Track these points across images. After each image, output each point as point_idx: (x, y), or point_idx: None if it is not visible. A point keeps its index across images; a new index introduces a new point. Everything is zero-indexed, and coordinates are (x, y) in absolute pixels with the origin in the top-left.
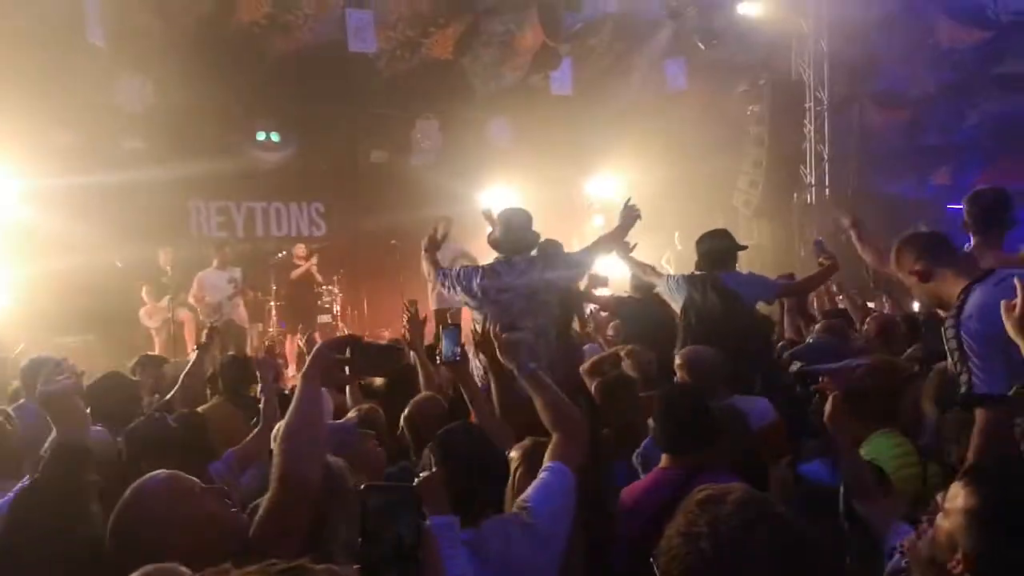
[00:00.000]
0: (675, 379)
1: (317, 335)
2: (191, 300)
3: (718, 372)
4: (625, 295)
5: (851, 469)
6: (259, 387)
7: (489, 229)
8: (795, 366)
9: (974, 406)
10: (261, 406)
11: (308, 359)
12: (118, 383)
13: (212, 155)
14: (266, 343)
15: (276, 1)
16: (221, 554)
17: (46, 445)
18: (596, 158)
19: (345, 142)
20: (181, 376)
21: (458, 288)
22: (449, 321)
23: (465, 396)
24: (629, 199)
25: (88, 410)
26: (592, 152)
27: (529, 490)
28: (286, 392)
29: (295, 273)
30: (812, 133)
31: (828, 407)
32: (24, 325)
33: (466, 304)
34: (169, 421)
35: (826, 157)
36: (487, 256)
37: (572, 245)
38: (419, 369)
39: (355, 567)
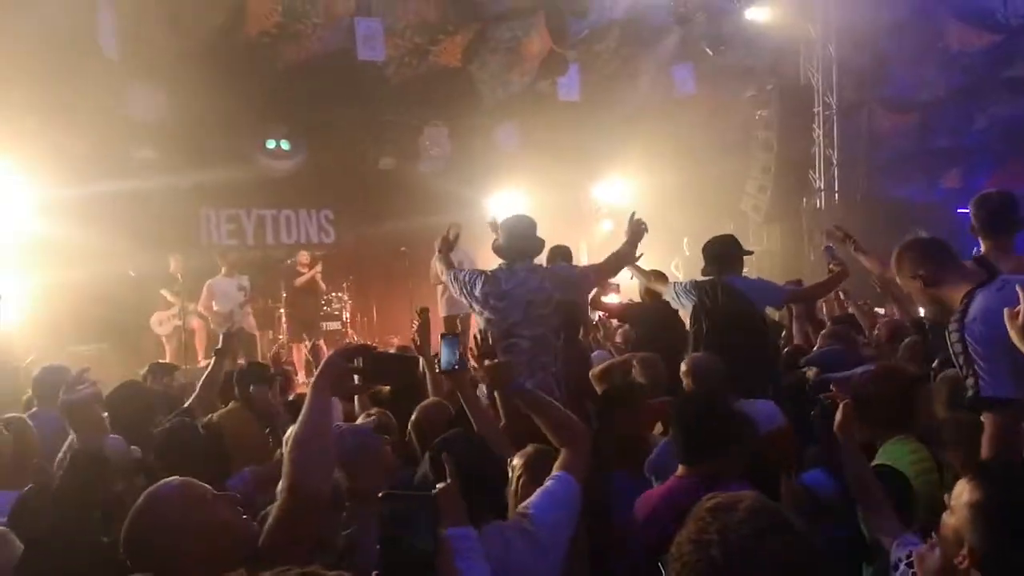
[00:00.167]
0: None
1: (322, 343)
2: (200, 308)
3: (723, 379)
4: (634, 301)
5: (857, 479)
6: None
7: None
8: (811, 372)
9: (982, 409)
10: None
11: (319, 368)
12: (135, 392)
13: (223, 163)
14: (272, 351)
15: (286, 11)
16: (233, 561)
17: (61, 453)
18: (604, 163)
19: (354, 149)
20: (199, 383)
21: (464, 291)
22: (459, 327)
23: (464, 404)
24: (634, 213)
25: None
26: (600, 157)
27: (533, 497)
28: (291, 399)
29: (299, 281)
30: (821, 138)
31: (839, 416)
32: (37, 334)
33: (471, 308)
34: (200, 429)
35: (835, 162)
36: (494, 262)
37: (580, 250)
38: (427, 375)
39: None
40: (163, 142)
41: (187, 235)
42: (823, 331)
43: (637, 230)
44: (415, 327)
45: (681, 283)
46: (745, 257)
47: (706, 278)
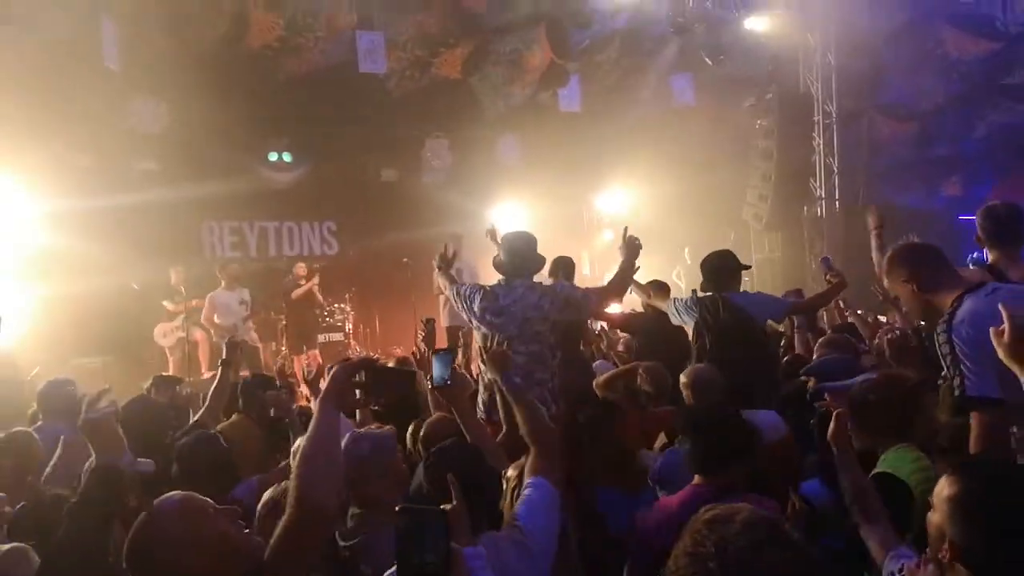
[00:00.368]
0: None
1: (316, 353)
2: (203, 320)
3: (722, 389)
4: (634, 311)
5: (852, 490)
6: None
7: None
8: (811, 382)
9: (969, 408)
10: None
11: (325, 383)
12: (146, 406)
13: (225, 176)
14: (277, 363)
15: (288, 24)
16: (234, 572)
17: (86, 466)
18: (605, 174)
19: (356, 161)
20: (209, 395)
21: (464, 305)
22: (461, 339)
23: (458, 418)
24: (626, 228)
25: None
26: (601, 168)
27: (517, 507)
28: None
29: (295, 293)
30: (821, 146)
31: (832, 426)
32: (42, 347)
33: (468, 322)
34: (221, 441)
35: (836, 170)
36: (496, 274)
37: (582, 260)
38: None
39: None
40: (165, 155)
41: (190, 247)
42: (820, 340)
43: (632, 246)
44: (421, 337)
45: (681, 299)
46: (745, 270)
47: (706, 294)
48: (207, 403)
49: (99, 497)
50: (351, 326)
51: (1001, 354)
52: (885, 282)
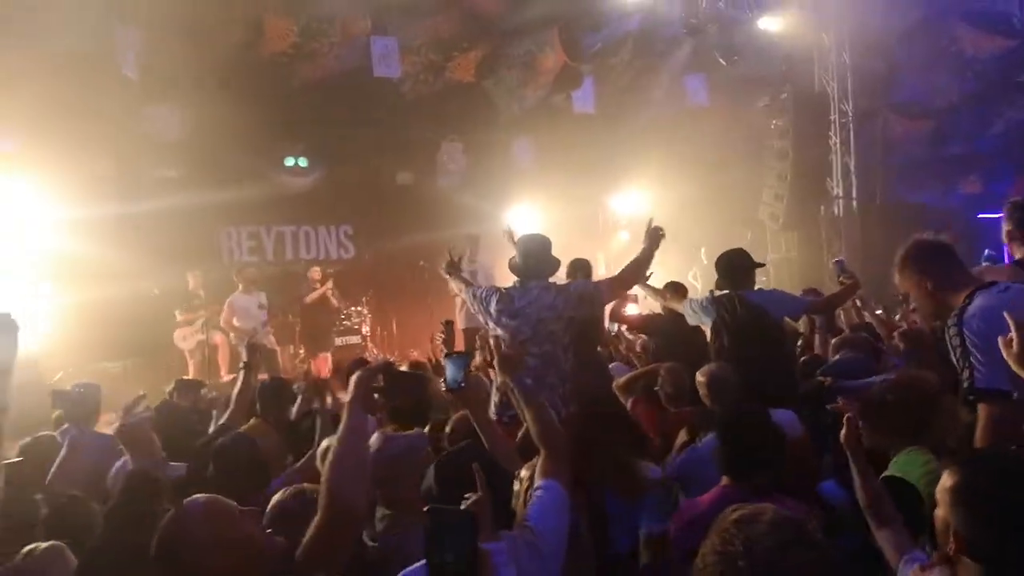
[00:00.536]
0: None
1: (328, 356)
2: (222, 324)
3: (738, 390)
4: (652, 313)
5: (866, 493)
6: (294, 408)
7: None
8: (828, 381)
9: (977, 400)
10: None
11: (351, 387)
12: (172, 411)
13: (242, 181)
14: (301, 366)
15: (303, 30)
16: (256, 573)
17: (112, 472)
18: (620, 175)
19: (372, 165)
20: (233, 397)
21: (481, 308)
22: (477, 342)
23: (473, 421)
24: (652, 219)
25: None
26: (616, 169)
27: (528, 508)
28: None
29: (309, 298)
30: (837, 145)
31: (844, 431)
32: (64, 352)
33: (484, 324)
34: (256, 441)
35: (852, 169)
36: (512, 275)
37: (598, 262)
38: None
39: None
40: (183, 161)
41: (208, 253)
42: (835, 340)
43: (655, 237)
44: (441, 340)
45: (697, 299)
46: (759, 268)
47: (722, 292)
48: (232, 406)
49: (136, 501)
50: (368, 329)
51: (1012, 363)
52: (896, 278)
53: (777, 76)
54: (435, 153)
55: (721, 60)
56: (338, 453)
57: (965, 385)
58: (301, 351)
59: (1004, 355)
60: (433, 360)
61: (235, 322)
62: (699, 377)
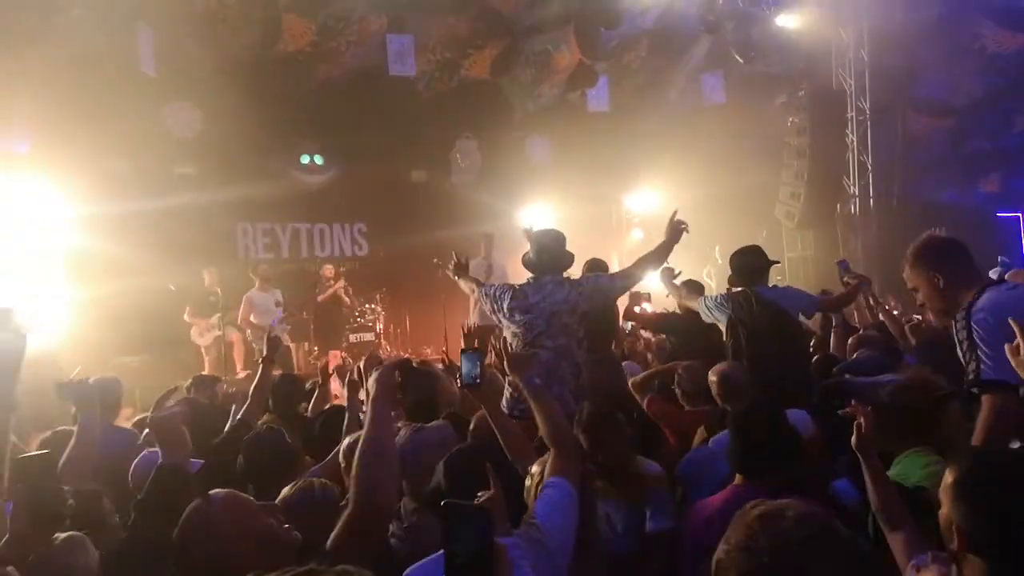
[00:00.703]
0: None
1: (338, 353)
2: (239, 320)
3: (750, 388)
4: (667, 311)
5: (878, 496)
6: (309, 405)
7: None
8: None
9: (982, 392)
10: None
11: (374, 383)
12: (192, 407)
13: (258, 179)
14: (315, 363)
15: (320, 29)
16: (275, 566)
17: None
18: (635, 174)
19: (386, 163)
20: (250, 392)
21: (495, 306)
22: (492, 339)
23: (488, 418)
24: (675, 212)
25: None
26: (630, 167)
27: (535, 506)
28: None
29: (321, 297)
30: (855, 143)
31: (854, 437)
32: (81, 348)
33: (498, 322)
34: (286, 436)
35: (870, 167)
36: (526, 272)
37: (612, 261)
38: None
39: None
40: (200, 158)
41: (224, 249)
42: (852, 339)
43: (676, 230)
44: (462, 341)
45: (712, 297)
46: (775, 265)
47: (738, 290)
48: (249, 400)
49: (164, 493)
50: (382, 326)
51: (1020, 370)
52: (906, 271)
53: (795, 73)
54: (449, 151)
55: (738, 57)
56: (366, 447)
57: (970, 377)
58: (315, 348)
59: (1012, 363)
60: (447, 360)
61: (252, 319)
62: (711, 376)
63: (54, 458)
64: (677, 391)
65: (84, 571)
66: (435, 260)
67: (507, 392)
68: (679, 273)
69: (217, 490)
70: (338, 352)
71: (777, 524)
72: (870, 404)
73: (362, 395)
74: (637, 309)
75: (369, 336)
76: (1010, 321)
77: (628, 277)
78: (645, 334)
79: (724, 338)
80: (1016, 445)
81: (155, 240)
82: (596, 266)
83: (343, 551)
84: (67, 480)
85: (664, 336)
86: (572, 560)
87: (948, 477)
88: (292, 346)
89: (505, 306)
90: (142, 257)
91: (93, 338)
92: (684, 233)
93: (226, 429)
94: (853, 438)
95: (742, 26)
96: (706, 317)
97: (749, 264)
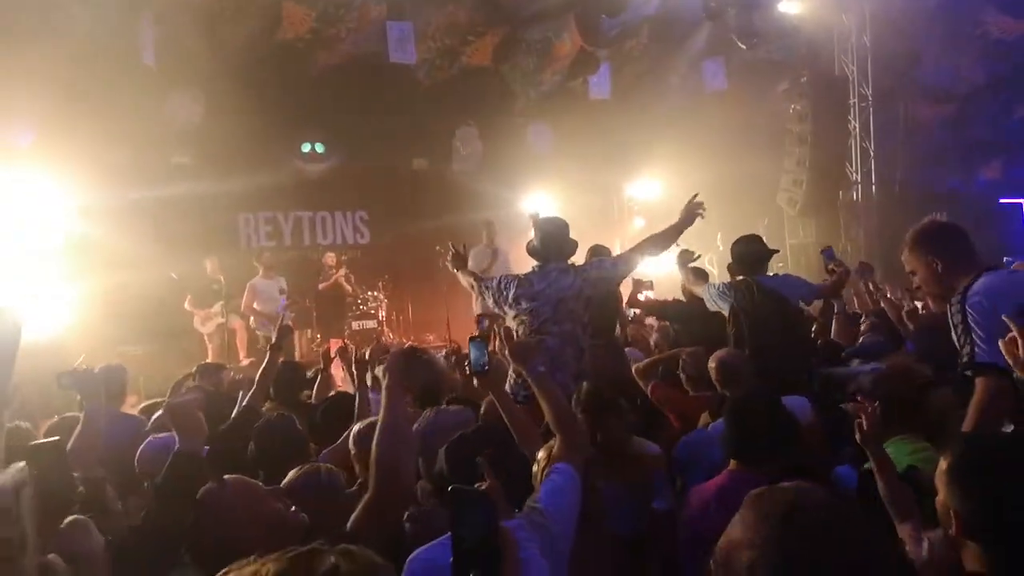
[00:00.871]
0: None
1: (343, 341)
2: (243, 308)
3: (750, 375)
4: (670, 299)
5: (887, 490)
6: (312, 392)
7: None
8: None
9: (976, 375)
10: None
11: (389, 372)
12: (200, 395)
13: (260, 167)
14: (318, 350)
15: (320, 16)
16: (282, 548)
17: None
18: (636, 161)
19: (387, 151)
20: (257, 376)
21: (499, 298)
22: (496, 329)
23: (497, 404)
24: (696, 195)
25: None
26: (631, 154)
27: (538, 491)
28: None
29: (323, 285)
30: (857, 129)
31: (858, 433)
32: (86, 338)
33: (498, 313)
34: (296, 423)
35: (872, 153)
36: (529, 259)
37: (614, 248)
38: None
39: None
40: (201, 148)
41: (226, 238)
42: (864, 324)
43: (692, 212)
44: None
45: (715, 286)
46: (776, 253)
47: (739, 278)
48: (255, 386)
49: (183, 480)
50: (384, 314)
51: (1019, 370)
52: (904, 255)
53: (797, 59)
54: (450, 139)
55: (740, 43)
56: (384, 432)
57: (964, 360)
58: (318, 336)
59: (1008, 359)
60: (456, 346)
61: (256, 306)
62: (711, 363)
63: (64, 445)
64: (682, 376)
65: (88, 555)
66: (437, 248)
67: (511, 377)
68: (697, 256)
69: (228, 477)
70: (340, 340)
71: (789, 507)
72: (853, 393)
73: (368, 379)
74: (641, 296)
75: (371, 323)
76: (1005, 319)
77: (628, 261)
78: (649, 320)
79: (727, 326)
80: (1009, 428)
81: (157, 230)
82: (599, 252)
83: (363, 532)
84: (74, 467)
85: (668, 323)
86: (574, 543)
87: (943, 463)
88: (295, 333)
89: (510, 295)
90: (144, 247)
91: (96, 327)
92: (700, 218)
93: (232, 415)
94: (858, 435)
95: (744, 12)
96: (710, 305)
97: (751, 253)
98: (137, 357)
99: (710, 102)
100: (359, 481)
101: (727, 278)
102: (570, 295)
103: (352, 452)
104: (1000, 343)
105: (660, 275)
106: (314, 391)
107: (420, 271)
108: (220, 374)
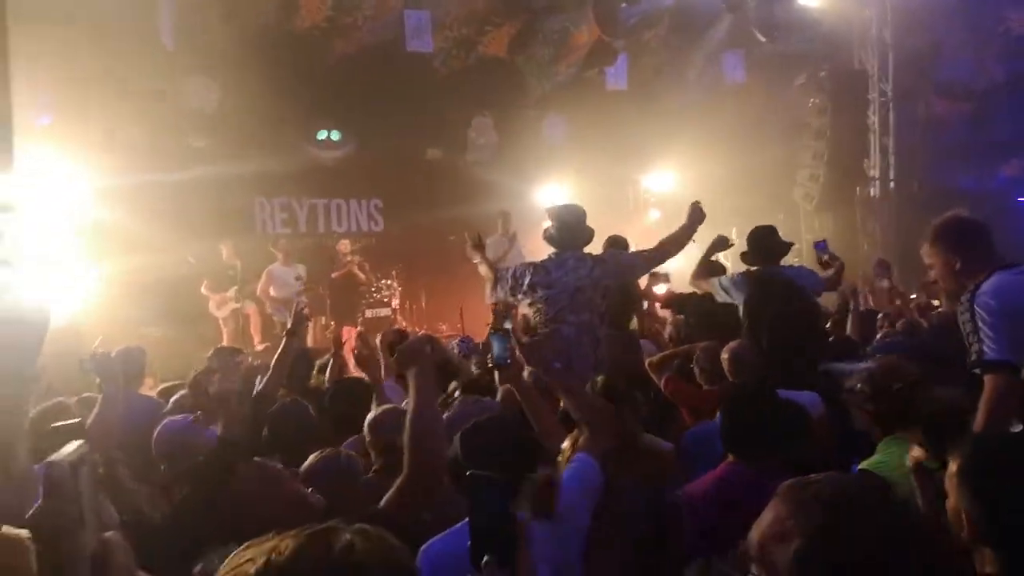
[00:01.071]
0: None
1: (357, 329)
2: (259, 293)
3: (761, 368)
4: (685, 292)
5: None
6: (325, 377)
7: (546, 224)
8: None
9: (984, 372)
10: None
11: (413, 360)
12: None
13: (275, 153)
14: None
15: (337, 4)
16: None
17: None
18: (652, 153)
19: (403, 140)
20: (273, 362)
21: (515, 287)
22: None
23: (519, 397)
24: (697, 201)
25: None
26: (648, 146)
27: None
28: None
29: (336, 274)
30: (876, 125)
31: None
32: (103, 319)
33: (513, 302)
34: (310, 409)
35: (891, 150)
36: (543, 249)
37: (629, 240)
38: None
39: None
40: (217, 132)
41: (242, 223)
42: (901, 322)
43: (696, 216)
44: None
45: (729, 276)
46: (792, 247)
47: (755, 269)
48: (270, 372)
49: (217, 463)
50: (398, 302)
51: None
52: (925, 247)
53: (817, 53)
54: (465, 129)
55: (760, 36)
56: (416, 415)
57: (972, 358)
58: (332, 323)
59: None
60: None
61: (272, 291)
62: (723, 355)
63: (84, 427)
64: (695, 370)
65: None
66: (451, 237)
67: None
68: (731, 244)
69: (254, 460)
70: (352, 328)
71: (826, 494)
72: (849, 390)
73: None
74: (658, 289)
75: (385, 311)
76: None
77: (651, 260)
78: (663, 313)
79: (741, 317)
80: (1018, 427)
81: (173, 213)
82: (616, 243)
83: (397, 510)
84: (92, 448)
85: (682, 317)
86: (591, 534)
87: (952, 465)
88: (310, 320)
89: (526, 282)
90: (160, 230)
91: (113, 309)
92: (703, 219)
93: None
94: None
95: (764, 4)
96: (720, 297)
97: (768, 244)
98: (153, 340)
99: (728, 95)
100: (374, 468)
101: (742, 270)
102: (588, 284)
103: (368, 439)
104: None
105: (674, 268)
106: (327, 375)
107: (434, 260)
108: (236, 358)
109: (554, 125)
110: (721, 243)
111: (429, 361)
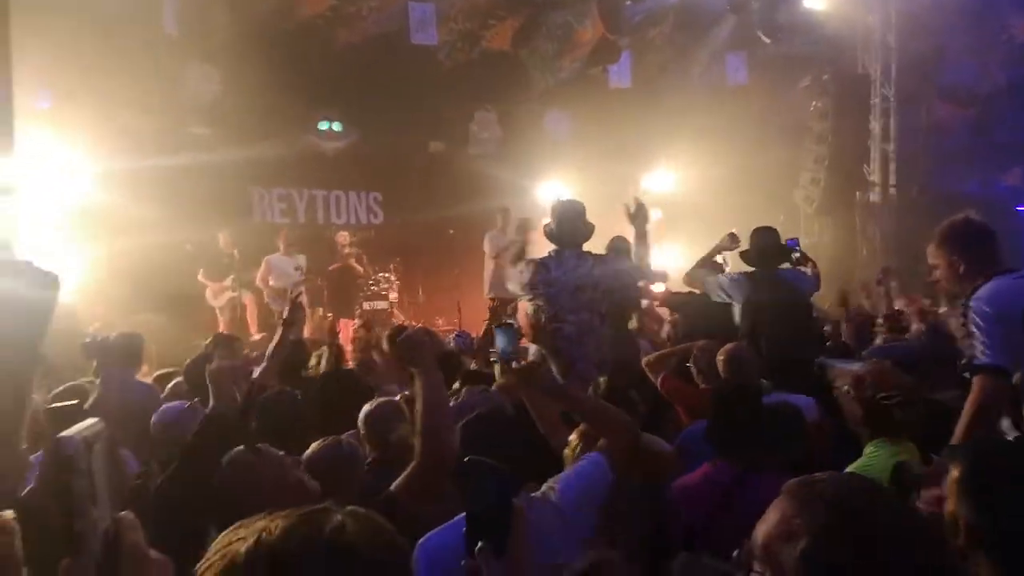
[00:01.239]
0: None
1: (355, 322)
2: (257, 282)
3: (757, 369)
4: (683, 292)
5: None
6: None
7: (545, 220)
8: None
9: (973, 375)
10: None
11: (418, 351)
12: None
13: (276, 143)
14: (329, 323)
15: None
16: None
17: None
18: (653, 151)
19: (404, 132)
20: (267, 352)
21: (519, 280)
22: (509, 313)
23: (524, 397)
24: (636, 199)
25: None
26: (649, 145)
27: (560, 476)
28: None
29: (332, 267)
30: (878, 130)
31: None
32: (100, 303)
33: (519, 296)
34: (298, 398)
35: (892, 155)
36: (543, 246)
37: (628, 237)
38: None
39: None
40: (218, 120)
41: (240, 212)
42: (919, 326)
43: (640, 215)
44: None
45: (727, 276)
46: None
47: (755, 271)
48: (265, 362)
49: (211, 440)
50: (396, 295)
51: None
52: (931, 248)
53: (820, 56)
54: (468, 122)
55: (764, 38)
56: (427, 404)
57: (964, 362)
58: (329, 315)
59: None
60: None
61: (271, 281)
62: (719, 355)
63: (81, 409)
64: (693, 369)
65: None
66: (451, 231)
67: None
68: (737, 245)
69: (258, 444)
70: (350, 321)
71: (832, 492)
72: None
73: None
74: (655, 288)
75: (383, 304)
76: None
77: (638, 270)
78: (660, 311)
79: (738, 318)
80: (1006, 428)
81: (171, 200)
82: (619, 244)
83: (408, 496)
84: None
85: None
86: (597, 534)
87: (953, 472)
88: (308, 312)
89: (527, 278)
90: (157, 216)
91: (110, 293)
92: (647, 221)
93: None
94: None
95: (769, 6)
96: (715, 296)
97: (769, 245)
98: (150, 326)
99: (731, 96)
100: (368, 460)
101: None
102: (588, 283)
103: (362, 432)
104: None
105: (672, 267)
106: (322, 365)
107: (433, 254)
108: (235, 346)
109: (557, 121)
110: (731, 241)
111: (430, 352)
